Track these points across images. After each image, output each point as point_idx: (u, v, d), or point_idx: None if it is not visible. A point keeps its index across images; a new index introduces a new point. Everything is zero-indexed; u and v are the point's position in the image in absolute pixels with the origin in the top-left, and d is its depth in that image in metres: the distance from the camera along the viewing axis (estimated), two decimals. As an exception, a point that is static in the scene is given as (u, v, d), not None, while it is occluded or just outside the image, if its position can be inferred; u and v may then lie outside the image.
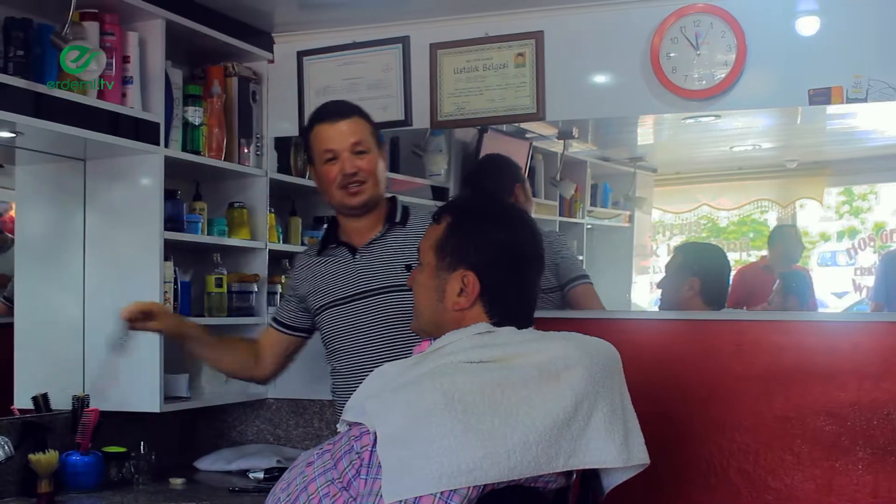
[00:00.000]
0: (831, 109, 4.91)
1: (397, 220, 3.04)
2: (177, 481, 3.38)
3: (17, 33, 3.03)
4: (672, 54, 3.49)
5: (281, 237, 4.20)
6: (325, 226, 3.27)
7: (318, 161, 3.00)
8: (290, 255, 4.29)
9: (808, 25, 3.39)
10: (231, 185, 3.96)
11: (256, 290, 3.94)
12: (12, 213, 3.72)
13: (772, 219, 8.53)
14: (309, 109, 3.86)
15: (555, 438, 1.92)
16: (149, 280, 3.42)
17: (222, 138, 3.76)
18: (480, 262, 2.17)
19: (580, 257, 6.29)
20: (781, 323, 3.46)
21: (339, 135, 2.97)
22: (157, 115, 3.45)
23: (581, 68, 3.67)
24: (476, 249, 2.17)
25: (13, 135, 3.11)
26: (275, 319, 3.24)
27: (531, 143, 5.58)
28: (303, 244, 4.33)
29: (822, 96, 3.35)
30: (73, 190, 3.52)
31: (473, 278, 2.16)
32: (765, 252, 7.16)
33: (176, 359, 3.59)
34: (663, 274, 4.19)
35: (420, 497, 1.82)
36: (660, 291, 4.23)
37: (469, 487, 1.84)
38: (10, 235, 3.65)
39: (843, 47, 3.34)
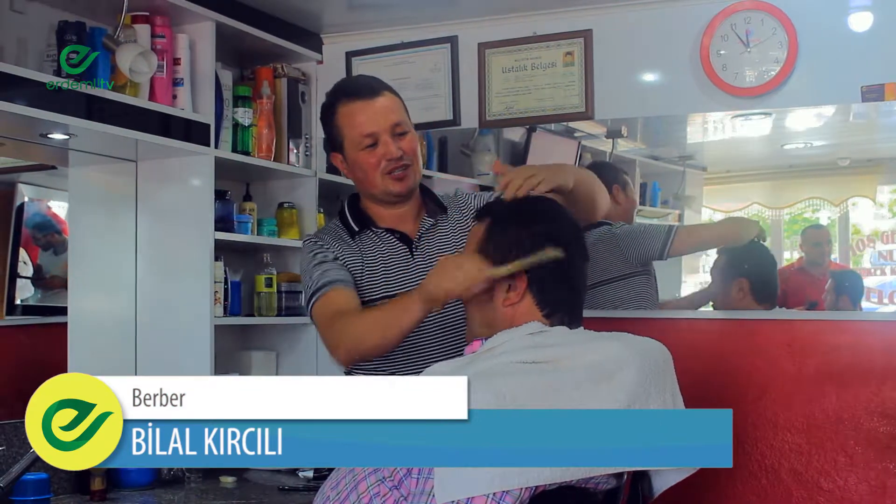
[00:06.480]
0: (885, 106, 4.84)
1: (445, 205, 2.75)
2: (227, 479, 3.39)
3: (70, 36, 3.07)
4: (722, 52, 3.46)
5: (330, 237, 4.21)
6: (345, 206, 2.81)
7: (353, 147, 2.63)
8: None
9: (860, 21, 3.35)
10: (280, 185, 3.99)
11: (306, 289, 3.95)
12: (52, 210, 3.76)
13: (823, 217, 8.42)
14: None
15: (606, 439, 1.91)
16: (199, 280, 3.45)
17: (272, 139, 3.78)
18: (524, 255, 2.17)
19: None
20: (834, 322, 3.42)
21: (377, 115, 2.59)
22: (207, 116, 3.48)
23: (630, 67, 3.66)
24: (518, 243, 2.18)
25: (67, 137, 3.15)
26: (340, 282, 2.60)
27: (580, 143, 5.53)
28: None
29: (875, 93, 3.31)
30: (124, 191, 3.56)
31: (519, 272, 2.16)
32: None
33: (225, 360, 3.60)
34: (710, 280, 4.14)
35: (472, 497, 1.82)
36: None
37: (521, 488, 1.84)
38: (64, 237, 3.69)
39: (896, 43, 3.30)
